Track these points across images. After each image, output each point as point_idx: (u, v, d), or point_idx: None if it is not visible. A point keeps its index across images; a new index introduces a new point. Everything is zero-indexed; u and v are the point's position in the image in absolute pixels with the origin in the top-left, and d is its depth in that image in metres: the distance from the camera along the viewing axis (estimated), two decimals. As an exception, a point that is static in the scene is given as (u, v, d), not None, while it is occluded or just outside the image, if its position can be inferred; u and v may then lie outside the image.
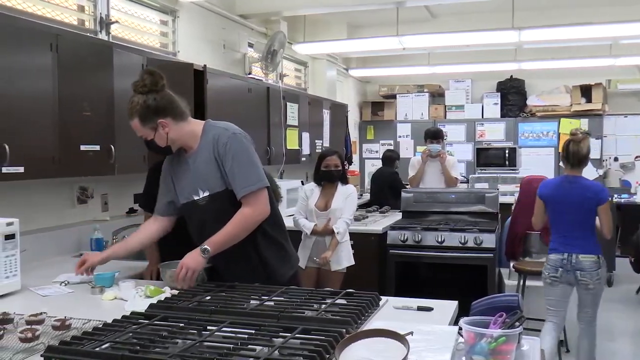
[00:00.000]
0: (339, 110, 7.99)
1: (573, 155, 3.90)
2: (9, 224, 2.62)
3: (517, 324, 1.73)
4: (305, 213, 4.42)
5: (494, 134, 9.28)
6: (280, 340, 1.79)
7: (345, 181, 4.48)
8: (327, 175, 4.39)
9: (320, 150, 7.10)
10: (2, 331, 1.90)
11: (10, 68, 2.87)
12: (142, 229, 2.80)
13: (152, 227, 2.75)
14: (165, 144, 2.55)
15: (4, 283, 2.59)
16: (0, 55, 2.81)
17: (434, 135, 6.20)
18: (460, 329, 1.77)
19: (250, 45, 6.39)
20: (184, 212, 2.68)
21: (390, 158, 7.10)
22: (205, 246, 2.47)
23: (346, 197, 4.36)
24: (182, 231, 2.75)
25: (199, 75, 4.37)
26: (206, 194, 2.55)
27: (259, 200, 2.51)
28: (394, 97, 9.92)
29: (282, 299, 2.31)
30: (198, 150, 2.57)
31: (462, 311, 2.28)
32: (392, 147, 9.25)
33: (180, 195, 2.65)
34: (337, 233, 4.24)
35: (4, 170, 2.81)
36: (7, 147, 2.79)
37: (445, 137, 6.89)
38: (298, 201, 4.60)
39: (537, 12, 7.47)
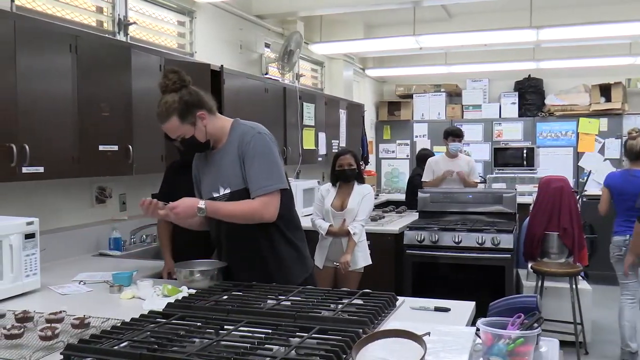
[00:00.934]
0: (355, 110, 7.99)
1: (630, 150, 4.66)
2: (29, 224, 2.66)
3: (535, 325, 1.71)
4: (321, 213, 4.42)
5: (512, 133, 9.21)
6: (297, 340, 1.79)
7: (361, 181, 4.47)
8: (342, 175, 4.39)
9: (336, 150, 7.11)
10: (22, 329, 1.93)
11: (30, 69, 2.90)
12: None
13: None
14: (205, 138, 2.53)
15: (24, 282, 2.63)
16: (21, 56, 2.84)
17: (456, 133, 6.19)
18: (478, 330, 1.76)
19: (267, 45, 6.40)
20: None
21: (425, 157, 6.84)
22: (204, 205, 2.44)
23: (362, 197, 4.33)
24: (194, 232, 2.78)
25: (216, 76, 4.39)
26: (227, 191, 2.55)
27: (270, 204, 2.49)
28: (410, 96, 9.89)
29: (299, 298, 2.31)
30: (225, 147, 2.58)
31: (479, 312, 2.27)
32: (414, 146, 9.30)
33: (203, 192, 2.67)
34: (354, 234, 4.21)
35: (25, 170, 2.84)
36: (27, 147, 2.83)
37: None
38: (314, 201, 4.60)
39: (556, 10, 7.40)
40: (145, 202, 2.48)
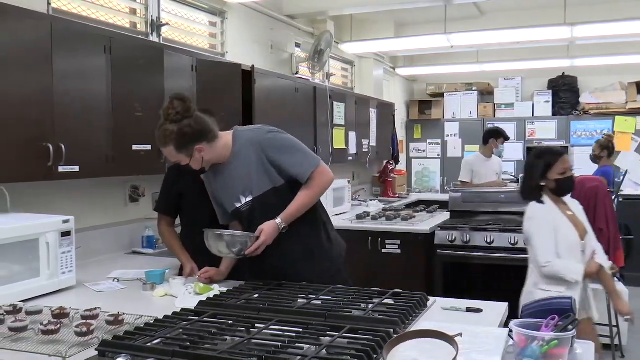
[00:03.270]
0: (386, 110, 7.95)
1: None
2: (65, 222, 2.71)
3: (570, 327, 1.68)
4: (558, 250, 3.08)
5: (545, 132, 9.06)
6: (328, 339, 1.80)
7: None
8: (567, 185, 3.21)
9: (367, 150, 7.09)
10: (58, 325, 1.96)
11: (66, 70, 2.96)
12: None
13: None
14: (200, 167, 2.58)
15: (60, 279, 2.68)
16: (58, 57, 2.90)
17: (506, 135, 6.18)
18: (511, 331, 1.74)
19: (298, 45, 6.42)
20: (235, 217, 2.72)
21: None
22: (280, 221, 2.51)
23: (580, 212, 3.32)
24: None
25: (247, 76, 4.42)
26: (249, 198, 2.59)
27: (322, 174, 2.59)
28: (441, 95, 9.81)
29: (329, 298, 2.31)
30: (232, 159, 2.60)
31: (512, 314, 2.24)
32: (445, 145, 9.23)
33: (225, 205, 2.70)
34: (612, 269, 3.23)
35: (61, 169, 2.90)
36: (63, 147, 2.88)
37: None
38: (542, 235, 3.11)
39: (590, 6, 7.26)
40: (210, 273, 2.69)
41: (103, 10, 3.91)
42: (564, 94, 9.08)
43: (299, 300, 2.26)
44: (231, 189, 2.63)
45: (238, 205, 2.62)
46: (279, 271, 2.60)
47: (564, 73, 9.06)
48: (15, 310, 2.17)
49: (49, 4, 3.43)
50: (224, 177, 2.63)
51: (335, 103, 6.18)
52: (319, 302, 2.25)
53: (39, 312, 2.19)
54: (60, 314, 2.11)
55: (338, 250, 2.78)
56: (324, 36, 6.28)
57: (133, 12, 4.25)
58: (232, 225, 2.79)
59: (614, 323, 4.52)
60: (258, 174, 2.56)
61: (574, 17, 6.36)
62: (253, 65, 4.53)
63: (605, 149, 6.12)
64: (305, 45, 6.41)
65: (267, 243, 2.51)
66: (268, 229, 2.51)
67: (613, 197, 5.41)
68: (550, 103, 9.11)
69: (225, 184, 2.64)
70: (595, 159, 6.24)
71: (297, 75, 6.21)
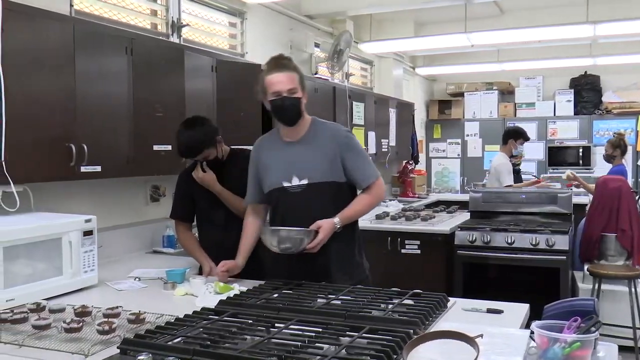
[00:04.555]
0: (405, 109, 7.92)
1: None
2: (87, 221, 2.74)
3: (592, 329, 1.66)
4: None
5: (567, 132, 8.96)
6: (347, 339, 1.80)
7: None
8: None
9: (386, 150, 7.08)
10: (81, 323, 1.99)
11: (88, 71, 2.99)
12: (248, 224, 2.80)
13: (255, 219, 2.80)
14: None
15: (82, 277, 2.71)
16: (80, 59, 2.93)
17: (527, 135, 6.11)
18: (532, 333, 1.72)
19: (317, 45, 6.42)
20: (270, 198, 2.71)
21: None
22: (338, 220, 2.55)
23: None
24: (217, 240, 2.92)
25: (266, 76, 4.42)
26: (303, 182, 2.60)
27: (381, 187, 2.71)
28: (461, 95, 9.75)
29: (349, 298, 2.31)
30: (303, 140, 2.65)
31: (533, 315, 2.22)
32: (465, 145, 9.19)
33: (268, 181, 2.68)
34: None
35: (83, 169, 2.93)
36: (85, 147, 2.92)
37: None
38: None
39: (613, 4, 7.15)
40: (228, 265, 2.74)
41: (124, 12, 3.95)
42: (586, 93, 8.97)
43: (319, 300, 2.26)
44: (288, 166, 2.63)
45: (286, 184, 2.62)
46: (311, 277, 2.57)
47: (586, 72, 8.95)
48: (38, 308, 2.20)
49: (71, 5, 3.47)
50: (285, 154, 2.65)
51: (354, 103, 6.17)
52: (339, 302, 2.25)
53: (62, 310, 2.22)
54: (83, 312, 2.13)
55: (366, 266, 2.79)
56: (343, 36, 6.28)
57: (154, 13, 4.28)
58: (253, 209, 2.80)
59: (637, 325, 4.45)
60: (327, 163, 2.61)
61: (596, 15, 6.28)
62: (272, 66, 4.53)
63: (617, 148, 6.05)
64: (325, 45, 6.41)
65: (324, 241, 2.51)
66: (327, 226, 2.51)
67: (637, 198, 5.34)
68: (572, 102, 9.01)
69: (283, 160, 2.64)
70: (608, 158, 6.16)
71: (317, 75, 6.21)
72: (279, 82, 2.55)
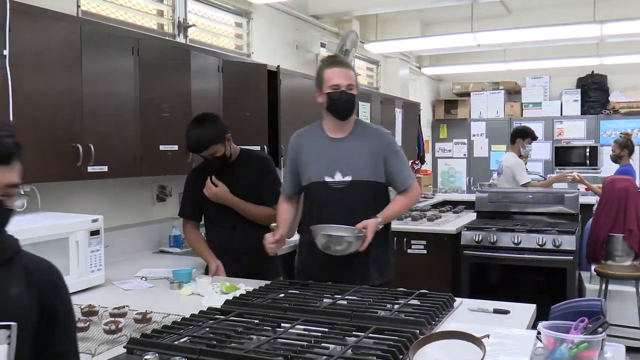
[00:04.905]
0: (411, 109, 7.91)
1: None
2: (94, 221, 2.75)
3: (600, 329, 1.66)
4: None
5: (574, 131, 8.93)
6: (354, 339, 1.80)
7: None
8: None
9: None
10: (88, 322, 2.00)
11: (95, 72, 3.00)
12: (283, 211, 2.81)
13: (290, 207, 2.82)
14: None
15: (89, 277, 2.72)
16: (87, 59, 2.94)
17: (535, 135, 6.09)
18: (539, 333, 1.72)
19: (323, 45, 6.42)
20: (308, 191, 2.72)
21: None
22: (381, 220, 2.60)
23: None
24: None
25: (272, 76, 4.43)
26: (347, 178, 2.63)
27: (417, 190, 2.81)
28: (468, 95, 9.73)
29: (355, 297, 2.31)
30: (354, 137, 2.68)
31: (539, 315, 2.21)
32: (471, 145, 9.16)
33: (307, 175, 2.69)
34: None
35: (90, 169, 2.94)
36: (92, 147, 2.93)
37: None
38: None
39: (620, 3, 7.12)
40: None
41: (131, 12, 3.96)
42: (593, 92, 8.93)
43: (325, 300, 2.26)
44: (331, 162, 2.65)
45: (328, 179, 2.64)
46: (351, 278, 2.58)
47: (593, 71, 8.92)
48: (45, 308, 2.21)
49: (78, 6, 3.48)
50: (329, 149, 2.67)
51: (360, 103, 6.16)
52: (345, 302, 2.25)
53: (69, 309, 2.23)
54: (90, 312, 2.14)
55: (392, 268, 2.84)
56: (349, 36, 6.27)
57: (160, 13, 4.29)
58: (288, 198, 2.82)
59: (644, 326, 4.43)
60: (371, 163, 2.65)
61: (603, 15, 6.25)
62: (278, 66, 4.55)
63: (625, 148, 6.02)
64: (331, 45, 6.41)
65: (370, 241, 2.53)
66: (373, 226, 2.54)
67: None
68: (579, 102, 8.97)
69: (326, 155, 2.67)
70: (616, 158, 6.13)
71: (323, 75, 6.20)
72: (339, 76, 2.61)
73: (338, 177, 2.63)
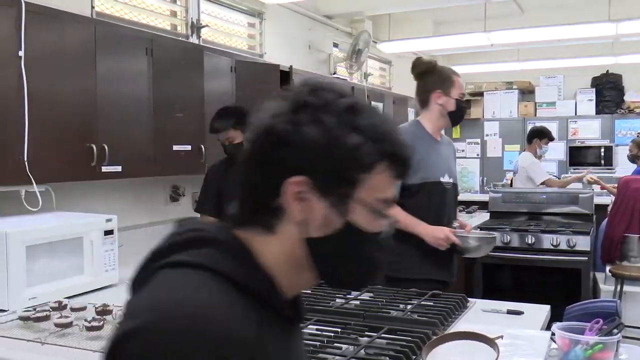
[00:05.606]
0: (424, 109, 7.87)
1: None
2: (108, 220, 2.77)
3: (615, 331, 1.64)
4: None
5: (588, 131, 8.85)
6: (366, 339, 1.79)
7: None
8: None
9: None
10: (102, 322, 2.01)
11: (109, 72, 3.02)
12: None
13: None
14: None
15: (103, 276, 2.74)
16: (101, 60, 2.96)
17: (552, 136, 6.04)
18: (553, 334, 1.70)
19: (335, 45, 6.41)
20: (425, 188, 2.73)
21: None
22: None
23: None
24: None
25: (285, 76, 4.44)
26: (451, 180, 2.81)
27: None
28: (481, 94, 9.67)
29: (368, 298, 2.31)
30: (442, 141, 2.89)
31: (553, 317, 2.20)
32: (485, 145, 9.12)
33: (425, 172, 2.71)
34: None
35: (104, 169, 2.96)
36: (106, 147, 2.95)
37: None
38: None
39: (635, 1, 7.03)
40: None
41: (144, 13, 3.98)
42: (608, 92, 8.85)
43: (337, 300, 2.26)
44: (442, 163, 2.80)
45: (443, 180, 2.77)
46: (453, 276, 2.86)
47: (607, 71, 8.84)
48: (60, 307, 2.23)
49: (92, 7, 3.51)
50: (438, 151, 2.80)
51: (373, 103, 6.15)
52: (357, 302, 2.25)
53: (83, 308, 2.25)
54: (104, 311, 2.15)
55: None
56: (362, 36, 6.27)
57: (173, 14, 4.31)
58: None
59: (660, 327, 4.39)
60: (454, 166, 2.90)
61: (618, 13, 6.19)
62: (291, 66, 4.55)
63: None
64: (343, 45, 6.41)
65: None
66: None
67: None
68: (594, 101, 8.90)
69: (437, 156, 2.79)
70: (633, 158, 6.08)
71: (335, 75, 6.21)
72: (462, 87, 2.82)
73: (446, 179, 2.78)
